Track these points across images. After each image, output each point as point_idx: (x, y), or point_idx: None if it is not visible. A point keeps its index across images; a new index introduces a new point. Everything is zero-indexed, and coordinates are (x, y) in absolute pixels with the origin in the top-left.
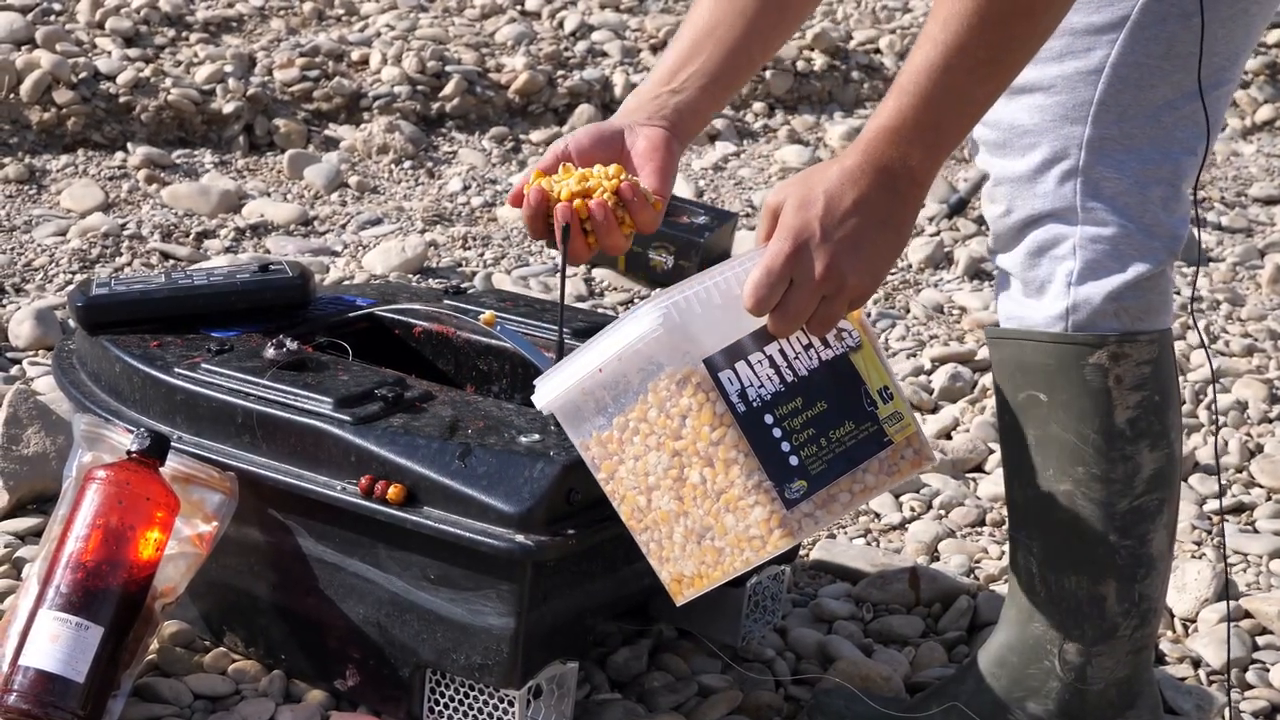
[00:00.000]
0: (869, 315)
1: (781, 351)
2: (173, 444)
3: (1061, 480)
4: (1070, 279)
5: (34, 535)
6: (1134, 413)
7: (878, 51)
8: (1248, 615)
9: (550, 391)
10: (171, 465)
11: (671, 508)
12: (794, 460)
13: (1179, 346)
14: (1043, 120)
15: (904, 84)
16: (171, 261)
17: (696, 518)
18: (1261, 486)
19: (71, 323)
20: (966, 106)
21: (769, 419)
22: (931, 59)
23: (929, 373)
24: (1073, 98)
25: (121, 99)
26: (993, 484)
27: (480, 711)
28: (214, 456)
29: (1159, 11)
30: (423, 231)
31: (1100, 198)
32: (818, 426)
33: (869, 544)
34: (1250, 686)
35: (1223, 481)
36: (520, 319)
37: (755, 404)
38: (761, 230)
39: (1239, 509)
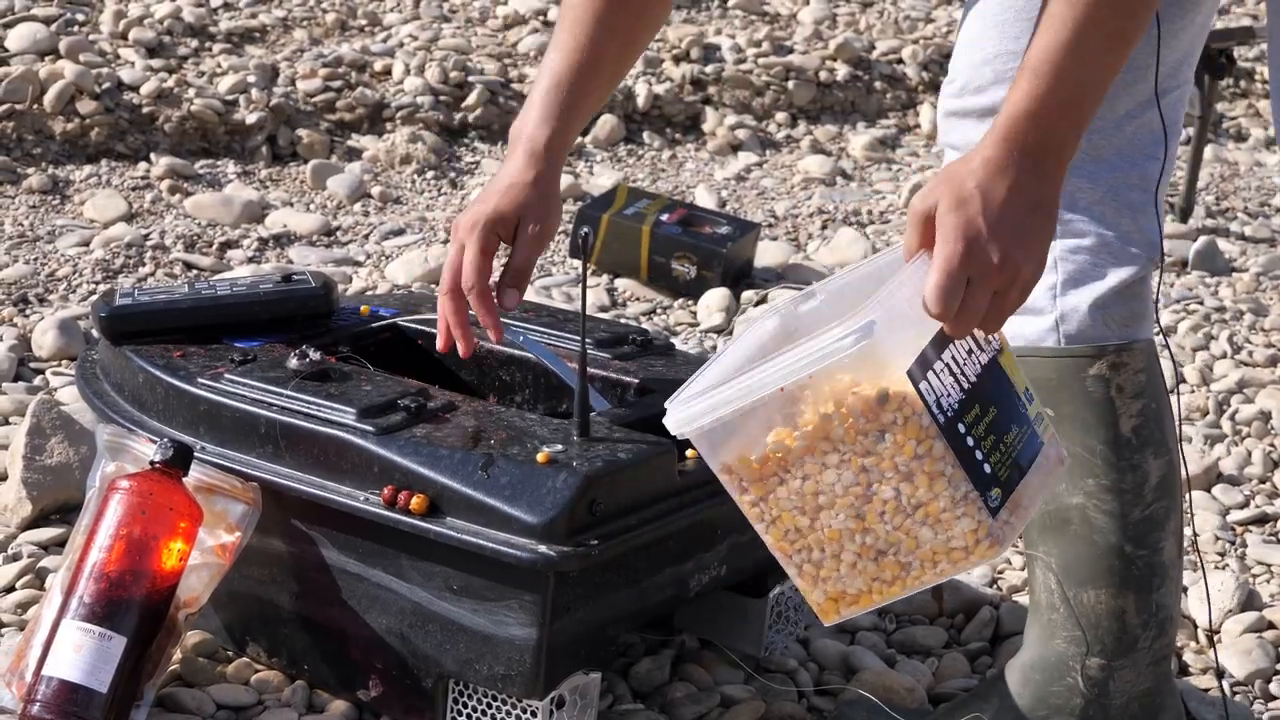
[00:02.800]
0: None
1: (954, 358)
2: (196, 454)
3: (1073, 494)
4: (1055, 291)
5: (57, 545)
6: (1137, 420)
7: (900, 62)
8: (1271, 626)
9: (701, 414)
10: (195, 475)
11: (848, 525)
12: (987, 468)
13: (1202, 356)
14: None
15: (1035, 66)
16: (195, 272)
17: (880, 534)
18: None
19: (95, 333)
20: (1099, 79)
21: (961, 428)
22: (1063, 38)
23: None
24: None
25: (145, 109)
26: None
27: None
28: (237, 467)
29: None
30: (446, 242)
31: (1076, 209)
32: (996, 433)
33: None
34: (1274, 698)
35: (1245, 492)
36: (542, 329)
37: (949, 413)
38: (913, 238)
39: (1262, 520)
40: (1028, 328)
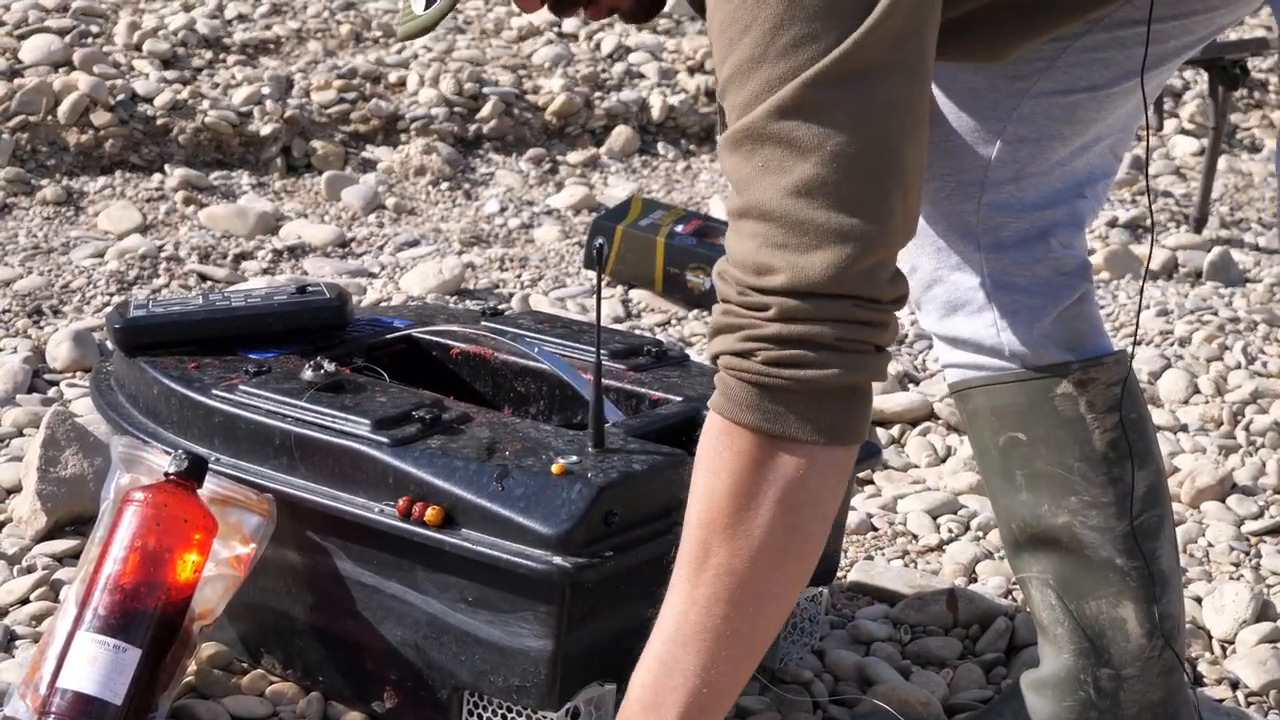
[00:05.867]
0: (905, 336)
1: None
2: (210, 466)
3: (1058, 513)
4: (996, 327)
5: (71, 557)
6: (1113, 434)
7: None
8: None
9: None
10: (209, 487)
11: None
12: None
13: (1216, 367)
14: (942, 181)
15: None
16: (209, 283)
17: None
18: None
19: (109, 344)
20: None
21: None
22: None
23: None
24: (969, 160)
25: (159, 121)
26: None
27: None
28: (252, 478)
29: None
30: (460, 253)
31: (1001, 248)
32: None
33: (907, 565)
34: None
35: (1260, 503)
36: (557, 340)
37: None
38: None
39: (1277, 530)
40: (987, 360)
